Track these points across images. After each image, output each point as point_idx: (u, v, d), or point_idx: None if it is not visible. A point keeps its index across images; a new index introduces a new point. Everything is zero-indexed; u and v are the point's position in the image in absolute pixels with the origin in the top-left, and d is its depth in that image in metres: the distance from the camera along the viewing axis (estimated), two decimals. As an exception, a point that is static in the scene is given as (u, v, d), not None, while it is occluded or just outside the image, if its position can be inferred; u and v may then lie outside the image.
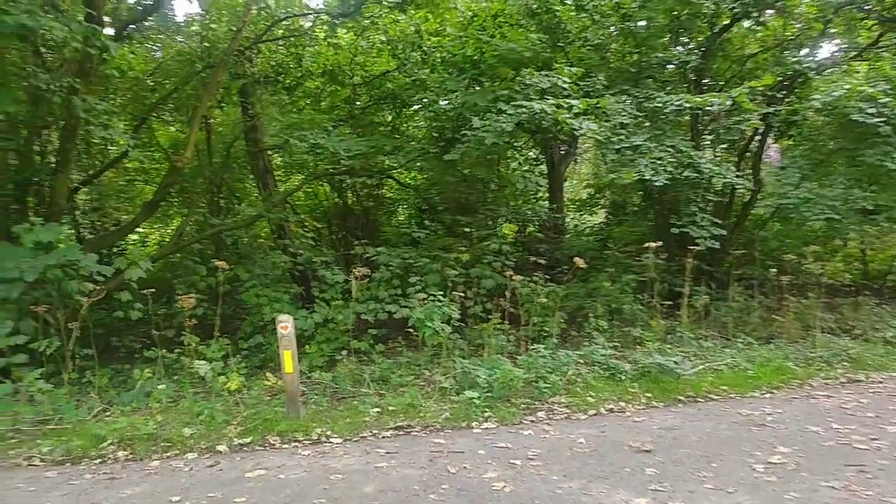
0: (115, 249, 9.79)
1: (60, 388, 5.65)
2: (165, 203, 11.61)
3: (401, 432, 4.98)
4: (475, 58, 9.24)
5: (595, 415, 5.32)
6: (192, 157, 9.66)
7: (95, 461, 4.54)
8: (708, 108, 8.43)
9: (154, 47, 10.90)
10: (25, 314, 6.02)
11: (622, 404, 5.53)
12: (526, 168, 11.91)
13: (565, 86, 7.70)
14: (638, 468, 4.11)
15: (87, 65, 7.34)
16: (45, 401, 5.30)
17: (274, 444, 4.77)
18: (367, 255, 8.22)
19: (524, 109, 7.21)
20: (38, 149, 8.32)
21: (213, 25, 10.35)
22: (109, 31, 8.65)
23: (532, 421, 5.16)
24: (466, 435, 4.87)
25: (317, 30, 11.09)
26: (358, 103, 11.83)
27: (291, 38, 11.00)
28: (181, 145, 9.13)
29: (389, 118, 12.06)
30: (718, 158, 9.84)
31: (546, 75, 7.80)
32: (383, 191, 12.88)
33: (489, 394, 5.51)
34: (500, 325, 6.96)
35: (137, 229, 11.61)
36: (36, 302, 6.10)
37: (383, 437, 4.89)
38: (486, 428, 5.02)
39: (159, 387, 5.77)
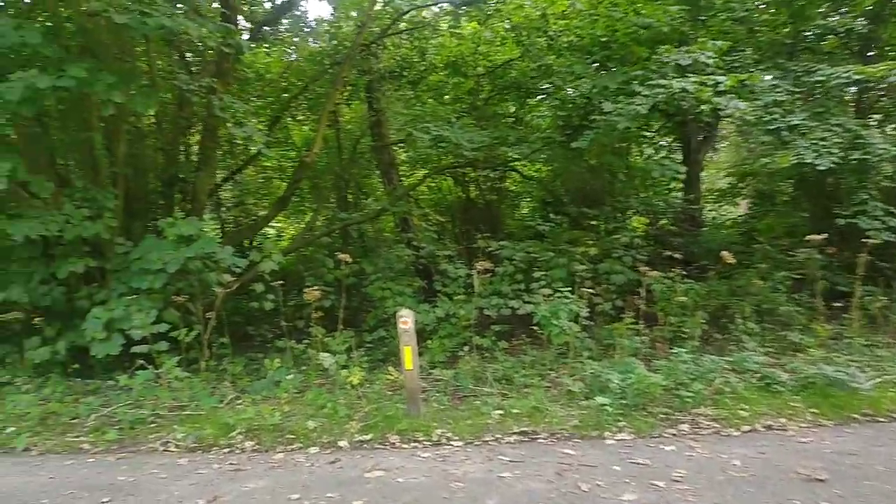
0: (252, 243, 10.28)
1: (198, 375, 5.92)
2: (299, 199, 12.14)
3: (525, 438, 4.64)
4: (605, 38, 8.66)
5: (750, 431, 4.65)
6: (321, 153, 9.93)
7: (224, 450, 4.64)
8: (883, 80, 7.27)
9: (287, 49, 11.33)
10: (168, 304, 6.38)
11: (782, 420, 4.80)
12: (661, 155, 11.06)
13: (709, 61, 6.94)
14: (810, 501, 3.48)
15: (224, 65, 7.69)
16: (183, 387, 5.54)
17: (394, 443, 4.62)
18: (490, 248, 7.98)
19: (661, 89, 6.58)
20: (183, 148, 8.89)
21: (341, 24, 10.57)
22: (245, 35, 9.10)
23: (673, 434, 4.61)
24: (598, 446, 4.44)
25: (440, 21, 11.00)
26: (481, 95, 11.60)
27: (415, 32, 10.98)
28: (312, 143, 9.38)
29: (513, 109, 11.71)
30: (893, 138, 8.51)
31: (686, 51, 7.09)
32: (506, 184, 12.57)
33: (622, 400, 5.02)
34: (634, 324, 6.40)
35: (274, 224, 12.21)
36: (179, 292, 6.46)
37: (506, 443, 4.57)
38: (621, 439, 4.55)
39: (287, 377, 5.87)
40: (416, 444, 4.62)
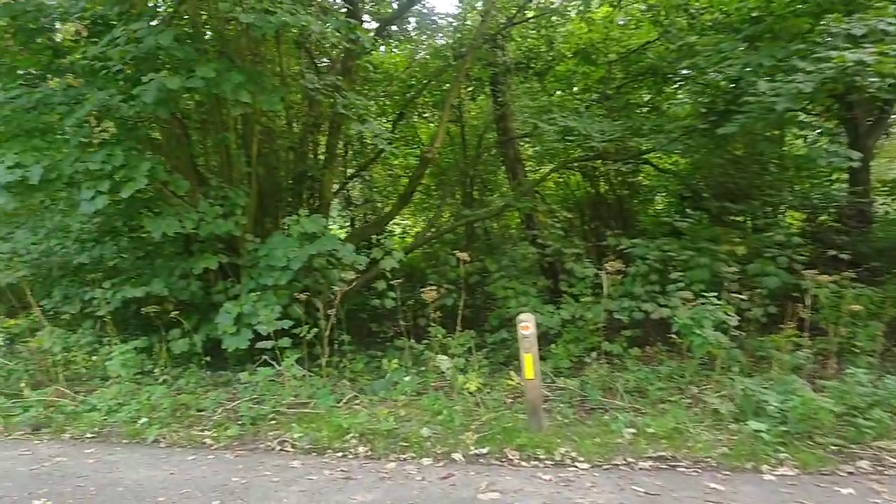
0: (377, 240, 10.36)
1: (318, 372, 5.92)
2: (425, 196, 12.15)
3: (663, 465, 4.08)
4: (757, 13, 7.69)
5: (951, 474, 3.78)
6: (443, 148, 9.79)
7: (337, 454, 4.52)
8: None
9: (411, 46, 11.31)
10: (293, 300, 6.46)
11: None
12: (824, 142, 9.74)
13: (889, 28, 5.87)
14: None
15: (348, 63, 7.72)
16: (303, 385, 5.54)
17: (512, 460, 4.26)
18: (621, 246, 7.36)
19: (829, 64, 5.64)
20: (311, 146, 9.09)
21: (466, 17, 10.38)
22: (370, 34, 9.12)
23: (850, 473, 3.84)
24: (753, 481, 3.78)
25: (569, 6, 10.44)
26: (612, 83, 10.88)
27: (542, 20, 10.51)
28: (434, 137, 9.24)
29: (647, 97, 10.87)
30: None
31: (860, 18, 6.05)
32: (639, 177, 11.74)
33: (782, 427, 4.28)
34: (796, 336, 5.55)
35: (401, 221, 12.31)
36: (305, 289, 6.54)
37: (640, 469, 4.04)
38: (782, 475, 3.85)
39: (405, 378, 5.72)
40: (536, 462, 4.22)
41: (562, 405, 5.17)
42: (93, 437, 5.09)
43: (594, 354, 6.04)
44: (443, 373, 5.57)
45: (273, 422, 5.13)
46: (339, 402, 5.45)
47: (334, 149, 8.52)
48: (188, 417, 5.27)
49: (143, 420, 5.14)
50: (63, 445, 4.93)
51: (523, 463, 4.23)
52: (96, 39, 5.95)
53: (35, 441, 5.06)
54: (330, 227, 9.21)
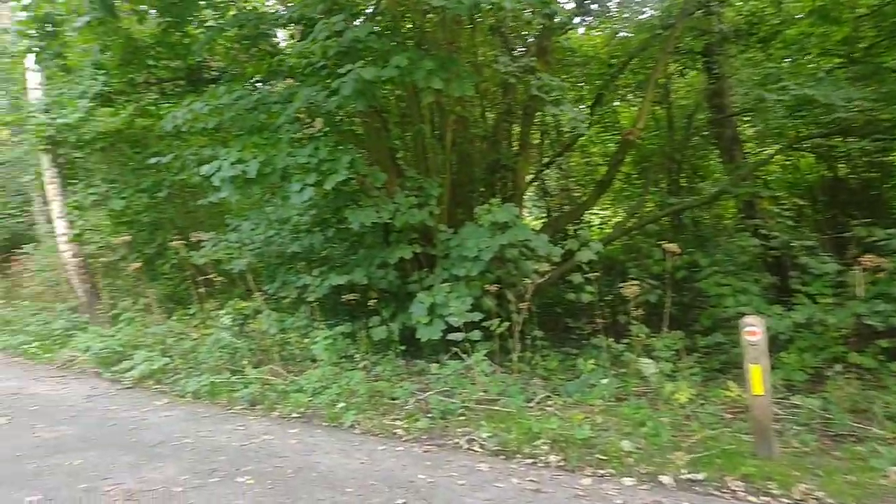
0: (573, 230, 9.86)
1: (509, 368, 5.65)
2: (626, 184, 11.36)
3: (950, 522, 3.12)
4: None
5: None
6: (647, 132, 8.98)
7: (526, 461, 4.18)
8: None
9: (612, 25, 10.57)
10: (484, 292, 6.28)
11: None
12: None
13: None
14: None
15: (543, 43, 7.34)
16: (493, 381, 5.30)
17: (735, 492, 3.55)
18: (871, 238, 6.04)
19: None
20: (505, 134, 8.88)
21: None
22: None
23: None
24: None
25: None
26: (860, 44, 9.09)
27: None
28: (637, 118, 8.48)
29: (905, 58, 8.90)
30: None
31: None
32: (893, 156, 9.73)
33: None
34: None
35: (600, 211, 11.66)
36: (497, 281, 6.33)
37: (917, 524, 3.13)
38: None
39: (602, 381, 5.22)
40: (767, 498, 3.46)
41: (797, 428, 4.29)
42: (297, 418, 5.36)
43: (838, 367, 4.97)
44: (646, 378, 4.97)
45: (462, 417, 4.95)
46: (529, 402, 5.12)
47: (528, 136, 8.21)
48: (383, 405, 5.31)
49: (342, 404, 5.29)
50: (271, 423, 5.25)
51: (751, 498, 3.49)
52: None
53: (250, 417, 5.47)
54: (524, 217, 8.94)
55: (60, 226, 10.33)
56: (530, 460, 4.18)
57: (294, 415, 5.40)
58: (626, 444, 4.11)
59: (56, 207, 10.36)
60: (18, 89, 12.35)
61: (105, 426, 5.29)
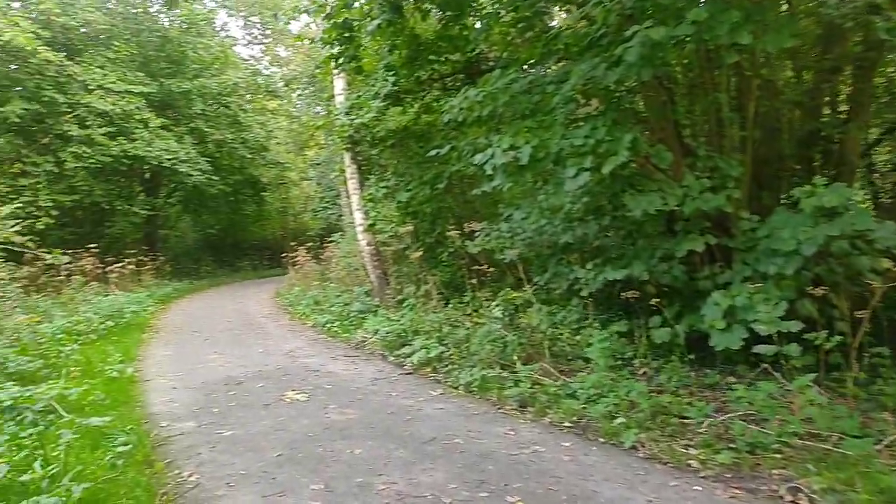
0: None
1: (839, 395, 4.38)
2: None
3: None
4: None
5: None
6: None
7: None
8: None
9: None
10: (803, 295, 5.02)
11: None
12: None
13: None
14: None
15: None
16: (821, 412, 4.12)
17: None
18: None
19: None
20: (828, 99, 7.16)
21: None
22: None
23: None
24: None
25: None
26: None
27: None
28: None
29: None
30: None
31: None
32: None
33: None
34: None
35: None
36: (817, 281, 5.03)
37: None
38: None
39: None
40: None
41: None
42: (570, 428, 4.84)
43: None
44: None
45: (778, 455, 3.89)
46: (876, 444, 3.85)
47: (863, 98, 6.44)
48: (670, 425, 4.48)
49: (621, 420, 4.62)
50: (542, 431, 4.81)
51: None
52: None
53: (520, 420, 5.12)
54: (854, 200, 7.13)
55: (358, 216, 11.44)
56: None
57: (566, 424, 4.90)
58: None
59: (354, 200, 11.52)
60: (328, 96, 14.18)
61: (385, 412, 5.46)
